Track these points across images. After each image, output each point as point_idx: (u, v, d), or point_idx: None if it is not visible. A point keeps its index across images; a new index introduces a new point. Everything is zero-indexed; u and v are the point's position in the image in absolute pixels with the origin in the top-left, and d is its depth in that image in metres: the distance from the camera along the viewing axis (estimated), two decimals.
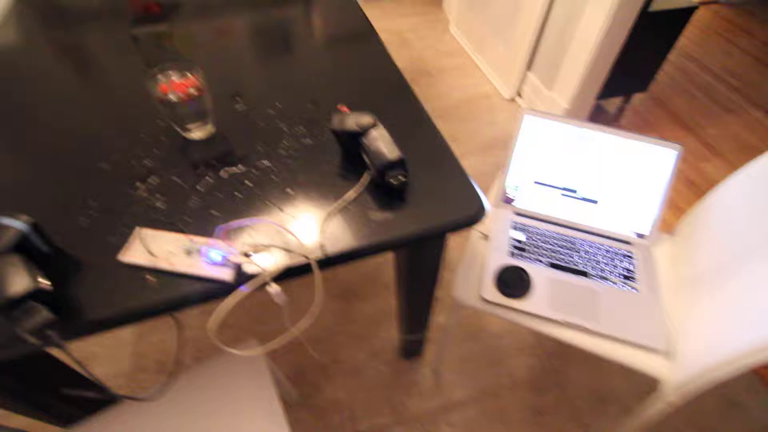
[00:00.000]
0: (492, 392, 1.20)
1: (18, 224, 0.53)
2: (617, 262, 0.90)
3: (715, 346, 0.70)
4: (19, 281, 0.48)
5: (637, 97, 2.12)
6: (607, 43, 1.56)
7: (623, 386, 1.20)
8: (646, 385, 1.19)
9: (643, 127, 1.98)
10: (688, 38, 2.55)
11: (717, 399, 1.18)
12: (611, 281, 0.87)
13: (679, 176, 1.78)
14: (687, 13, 1.63)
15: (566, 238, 0.95)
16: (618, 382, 1.21)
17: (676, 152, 0.88)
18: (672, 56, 2.40)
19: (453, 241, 1.53)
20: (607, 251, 0.92)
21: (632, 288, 0.87)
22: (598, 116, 2.02)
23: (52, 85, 0.87)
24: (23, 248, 0.53)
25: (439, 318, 1.34)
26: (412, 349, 1.23)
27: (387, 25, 2.61)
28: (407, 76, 0.85)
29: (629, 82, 1.85)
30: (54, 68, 0.92)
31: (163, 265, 0.56)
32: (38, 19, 1.08)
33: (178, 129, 0.73)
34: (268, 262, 0.57)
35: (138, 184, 0.66)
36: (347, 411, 1.16)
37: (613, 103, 2.06)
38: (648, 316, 0.83)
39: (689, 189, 1.74)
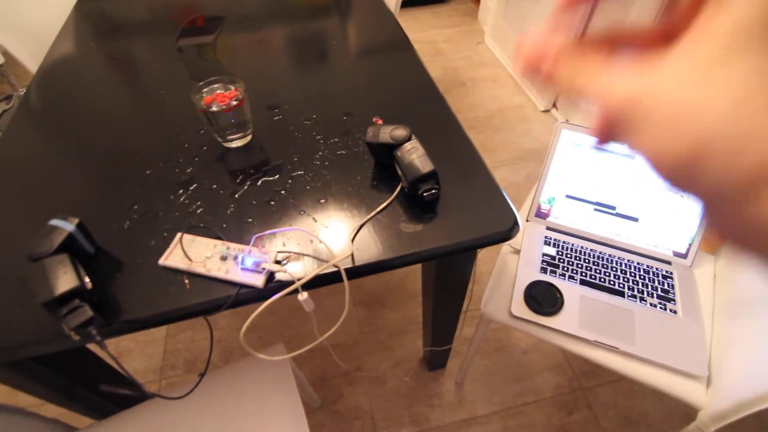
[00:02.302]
0: (516, 409, 1.17)
1: (67, 225, 0.56)
2: (655, 282, 0.87)
3: (759, 376, 0.67)
4: (67, 280, 0.51)
5: None
6: None
7: (656, 411, 1.15)
8: (679, 410, 1.14)
9: None
10: None
11: (757, 428, 1.12)
12: (648, 302, 0.84)
13: None
14: None
15: (600, 254, 0.92)
16: (650, 406, 1.16)
17: None
18: None
19: (482, 253, 1.51)
20: (645, 270, 0.89)
21: (670, 310, 0.83)
22: None
23: (103, 93, 0.92)
24: (69, 247, 0.56)
25: (464, 330, 1.32)
26: (436, 360, 1.22)
27: (422, 36, 2.62)
28: (441, 86, 0.85)
29: None
30: (106, 78, 0.97)
31: (200, 269, 0.58)
32: (92, 31, 1.14)
33: (219, 138, 0.75)
34: (299, 269, 0.58)
35: (180, 190, 0.69)
36: (368, 419, 1.16)
37: None
38: (687, 340, 0.79)
39: None
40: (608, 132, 0.20)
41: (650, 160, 0.16)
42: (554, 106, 2.07)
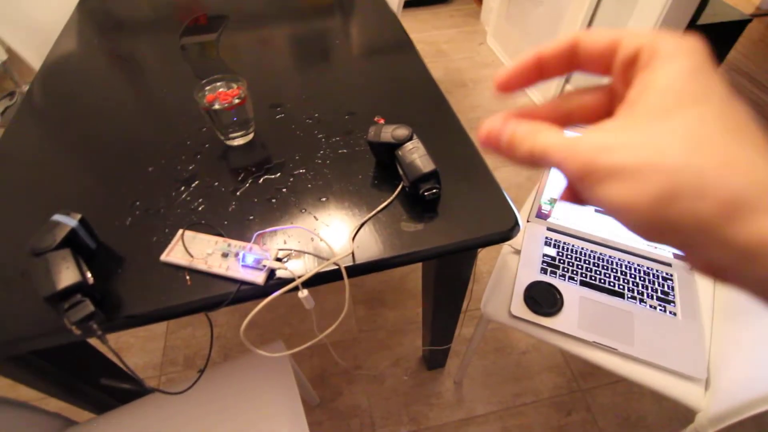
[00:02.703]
0: (515, 409, 1.18)
1: (69, 220, 0.57)
2: (655, 284, 0.87)
3: (757, 379, 0.67)
4: (69, 275, 0.52)
5: None
6: None
7: (654, 413, 1.15)
8: (678, 412, 1.14)
9: None
10: (738, 51, 2.44)
11: (755, 431, 1.12)
12: (648, 303, 0.85)
13: None
14: (739, 26, 1.57)
15: (601, 256, 0.92)
16: (648, 407, 1.16)
17: None
18: (720, 70, 2.31)
19: (482, 253, 1.51)
20: (645, 272, 0.89)
21: (670, 312, 0.83)
22: None
23: (106, 90, 0.93)
24: (71, 242, 0.56)
25: (463, 330, 1.33)
26: (435, 360, 1.22)
27: (424, 36, 2.62)
28: (443, 86, 0.86)
29: None
30: (109, 75, 0.98)
31: (201, 266, 0.58)
32: (96, 28, 1.15)
33: (221, 136, 0.76)
34: (300, 267, 0.59)
35: (182, 187, 0.70)
36: (367, 417, 1.17)
37: None
38: (686, 342, 0.79)
39: None
40: (576, 195, 0.21)
41: (619, 215, 0.17)
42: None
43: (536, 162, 0.20)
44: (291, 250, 0.60)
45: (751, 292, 0.16)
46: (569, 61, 0.21)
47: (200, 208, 0.66)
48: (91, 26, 1.15)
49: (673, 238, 0.16)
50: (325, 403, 1.19)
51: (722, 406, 0.70)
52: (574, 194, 0.22)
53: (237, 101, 0.70)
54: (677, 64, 0.17)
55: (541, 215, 0.98)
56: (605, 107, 0.22)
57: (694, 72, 0.17)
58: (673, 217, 0.15)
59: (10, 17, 1.14)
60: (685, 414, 0.76)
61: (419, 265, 0.79)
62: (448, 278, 0.82)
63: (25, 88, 2.13)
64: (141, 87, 0.94)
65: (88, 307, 0.51)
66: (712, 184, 0.15)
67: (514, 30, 2.24)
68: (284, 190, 0.69)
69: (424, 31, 2.67)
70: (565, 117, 0.23)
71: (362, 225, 0.63)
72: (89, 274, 0.54)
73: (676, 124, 0.16)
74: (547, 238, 0.95)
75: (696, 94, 0.16)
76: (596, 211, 0.94)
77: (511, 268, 0.91)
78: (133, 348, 1.31)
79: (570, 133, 0.19)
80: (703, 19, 1.50)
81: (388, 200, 0.65)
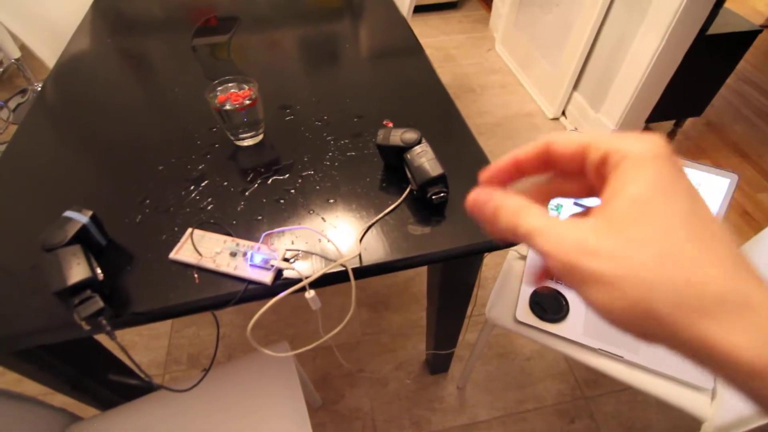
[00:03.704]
0: (518, 416, 1.17)
1: (80, 217, 0.57)
2: None
3: None
4: (80, 270, 0.52)
5: (690, 122, 2.03)
6: (660, 67, 1.52)
7: (659, 422, 1.15)
8: (683, 422, 1.13)
9: (695, 153, 1.90)
10: (747, 61, 2.43)
11: None
12: None
13: (733, 206, 1.69)
14: (750, 36, 1.56)
15: None
16: (653, 417, 1.15)
17: (730, 180, 0.84)
18: (729, 80, 2.30)
19: (487, 258, 1.51)
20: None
21: None
22: None
23: (118, 89, 0.94)
24: (82, 238, 0.57)
25: (467, 335, 1.32)
26: (438, 364, 1.22)
27: (432, 41, 2.63)
28: (450, 92, 0.86)
29: (682, 107, 1.79)
30: (121, 74, 0.99)
31: (209, 264, 0.58)
32: (109, 28, 1.16)
33: (231, 137, 0.76)
34: (307, 267, 0.59)
35: (191, 186, 0.70)
36: (369, 420, 1.17)
37: (663, 127, 1.99)
38: None
39: (744, 220, 1.65)
40: (551, 275, 0.24)
41: (598, 313, 0.18)
42: (563, 114, 2.07)
43: (518, 239, 0.21)
44: (298, 250, 0.61)
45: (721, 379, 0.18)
46: (544, 162, 0.23)
47: (209, 208, 0.67)
48: (105, 26, 1.17)
49: (649, 341, 0.18)
50: (327, 405, 1.19)
51: (728, 416, 0.70)
52: (549, 275, 0.24)
53: (248, 102, 0.71)
54: (644, 173, 0.18)
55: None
56: (587, 189, 0.23)
57: (660, 179, 0.18)
58: (647, 322, 0.17)
59: (26, 15, 1.16)
60: (690, 423, 0.76)
61: (424, 268, 0.80)
62: (454, 282, 0.82)
63: (38, 85, 2.16)
64: (152, 87, 0.95)
65: (98, 302, 0.51)
66: (684, 297, 0.16)
67: (523, 37, 2.24)
68: (292, 191, 0.69)
69: (433, 36, 2.68)
70: (550, 192, 0.24)
71: (370, 227, 0.63)
72: (99, 271, 0.54)
73: (647, 235, 0.17)
74: None
75: (663, 203, 0.18)
76: None
77: (517, 273, 0.91)
78: (137, 346, 1.31)
79: (551, 213, 0.20)
80: (713, 29, 1.49)
81: (396, 203, 0.66)
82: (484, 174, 0.25)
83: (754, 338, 0.15)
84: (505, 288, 0.89)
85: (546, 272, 0.25)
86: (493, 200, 0.22)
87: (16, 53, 1.97)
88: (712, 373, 0.17)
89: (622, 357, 0.78)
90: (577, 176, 0.22)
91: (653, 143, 0.19)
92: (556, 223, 0.20)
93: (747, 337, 0.15)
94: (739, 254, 0.17)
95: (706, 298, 0.16)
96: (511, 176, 0.24)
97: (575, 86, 1.95)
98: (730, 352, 0.15)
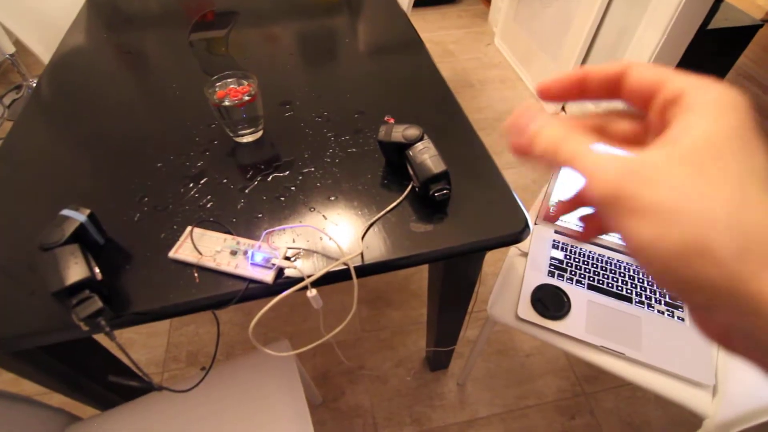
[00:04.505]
0: (518, 412, 1.17)
1: (78, 215, 0.56)
2: (663, 289, 0.87)
3: (765, 386, 0.66)
4: (78, 270, 0.51)
5: None
6: (661, 61, 1.51)
7: (659, 418, 1.15)
8: (683, 418, 1.13)
9: None
10: (747, 57, 2.43)
11: None
12: (656, 308, 0.84)
13: None
14: (750, 31, 1.56)
15: (609, 259, 0.91)
16: (653, 413, 1.16)
17: None
18: (729, 75, 2.29)
19: (488, 255, 1.50)
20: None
21: (678, 317, 0.83)
22: None
23: (115, 85, 0.93)
24: (80, 237, 0.56)
25: (468, 332, 1.32)
26: (438, 361, 1.22)
27: (431, 36, 2.62)
28: (450, 87, 0.85)
29: None
30: (118, 70, 0.98)
31: (209, 263, 0.58)
32: (105, 23, 1.15)
33: (230, 133, 0.75)
34: (308, 266, 0.58)
35: (190, 184, 0.69)
36: (369, 417, 1.16)
37: None
38: (694, 348, 0.79)
39: None
40: (597, 225, 0.21)
41: (639, 254, 0.16)
42: (563, 109, 2.06)
43: (556, 162, 0.19)
44: (300, 249, 0.60)
45: (755, 361, 0.16)
46: (613, 89, 0.21)
47: (209, 205, 0.66)
48: (100, 21, 1.15)
49: (691, 293, 0.16)
50: (328, 403, 1.19)
51: (730, 413, 0.70)
52: (579, 203, 0.22)
53: (247, 98, 0.70)
54: (723, 118, 0.16)
55: (549, 218, 0.97)
56: (638, 138, 0.21)
57: (737, 128, 0.16)
58: (697, 264, 0.15)
59: (20, 10, 1.14)
60: (690, 420, 0.76)
61: (425, 265, 0.79)
62: (456, 279, 0.81)
63: (32, 81, 2.13)
64: (149, 82, 0.93)
65: (97, 303, 0.51)
66: (754, 243, 0.14)
67: (522, 31, 2.23)
68: (293, 188, 0.68)
69: (432, 31, 2.66)
70: (597, 133, 0.22)
71: (371, 225, 0.62)
72: (98, 270, 0.53)
73: (723, 175, 0.16)
74: (554, 240, 0.95)
75: (739, 152, 0.16)
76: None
77: (519, 270, 0.91)
78: (136, 344, 1.31)
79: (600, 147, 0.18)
80: (714, 24, 1.49)
81: (398, 200, 0.65)
82: (546, 82, 0.22)
83: None
84: (506, 285, 0.89)
85: (577, 200, 0.23)
86: (536, 121, 0.20)
87: (10, 49, 1.95)
88: (756, 335, 0.15)
89: (623, 354, 0.78)
90: (634, 117, 0.21)
91: (734, 94, 0.17)
92: (605, 148, 0.18)
93: None
94: None
95: None
96: (573, 93, 0.22)
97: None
98: None
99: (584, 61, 1.85)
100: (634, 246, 0.16)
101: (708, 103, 0.17)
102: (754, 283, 0.14)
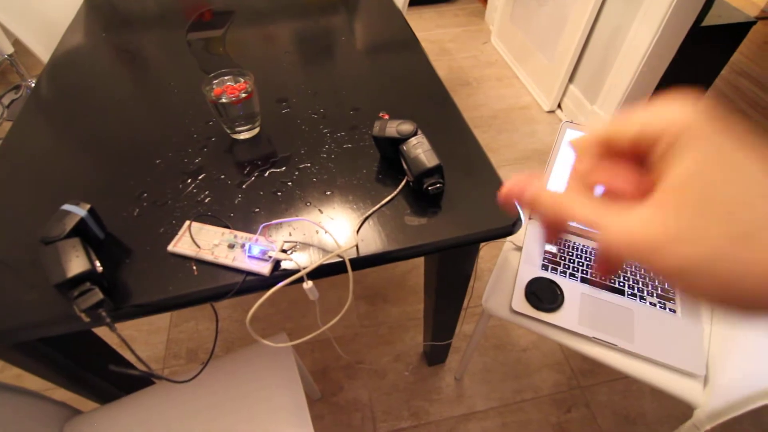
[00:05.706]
0: (514, 405, 1.18)
1: (78, 210, 0.58)
2: (655, 281, 0.88)
3: (755, 375, 0.68)
4: (79, 263, 0.53)
5: None
6: (655, 59, 1.52)
7: (653, 410, 1.16)
8: (677, 410, 1.15)
9: None
10: (742, 53, 2.44)
11: (752, 426, 1.13)
12: (648, 300, 0.85)
13: None
14: (743, 28, 1.57)
15: None
16: (648, 404, 1.17)
17: None
18: (724, 72, 2.31)
19: (483, 250, 1.52)
20: (646, 269, 0.90)
21: (670, 309, 0.84)
22: None
23: (114, 84, 0.94)
24: (80, 231, 0.57)
25: (464, 327, 1.33)
26: (435, 355, 1.23)
27: (428, 35, 2.63)
28: (446, 85, 0.86)
29: None
30: (116, 69, 0.99)
31: (207, 256, 0.59)
32: (103, 23, 1.16)
33: (227, 130, 0.77)
34: (305, 259, 0.59)
35: (188, 180, 0.70)
36: (368, 412, 1.18)
37: None
38: (685, 339, 0.80)
39: None
40: (611, 266, 0.23)
41: (712, 302, 0.18)
42: (559, 106, 2.08)
43: (570, 226, 0.22)
44: (296, 242, 0.61)
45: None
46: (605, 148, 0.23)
47: (207, 201, 0.67)
48: (99, 21, 1.16)
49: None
50: (326, 397, 1.20)
51: (720, 401, 0.71)
52: (611, 266, 0.23)
53: (244, 95, 0.71)
54: (708, 151, 0.18)
55: None
56: (634, 183, 0.22)
57: (724, 156, 0.18)
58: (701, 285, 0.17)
59: (19, 10, 1.15)
60: (684, 412, 0.77)
61: (421, 261, 0.80)
62: (451, 273, 0.83)
63: (31, 81, 2.14)
64: (148, 81, 0.95)
65: (98, 294, 0.52)
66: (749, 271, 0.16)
67: (519, 30, 2.24)
68: (289, 183, 0.70)
69: (428, 30, 2.67)
70: (591, 184, 0.24)
71: (366, 218, 0.64)
72: (98, 263, 0.55)
73: (723, 213, 0.17)
74: None
75: (731, 185, 0.17)
76: None
77: (513, 264, 0.92)
78: (137, 341, 1.32)
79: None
80: (707, 21, 1.50)
81: (392, 194, 0.66)
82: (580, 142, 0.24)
83: None
84: (501, 279, 0.90)
85: (609, 264, 0.24)
86: (531, 187, 0.23)
87: (9, 49, 1.96)
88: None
89: (616, 345, 0.79)
90: (629, 163, 0.22)
91: (713, 122, 0.19)
92: (615, 211, 0.20)
93: None
94: None
95: None
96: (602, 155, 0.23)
97: (571, 79, 1.95)
98: None
99: (580, 59, 1.86)
100: (699, 299, 0.18)
101: (694, 140, 0.18)
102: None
